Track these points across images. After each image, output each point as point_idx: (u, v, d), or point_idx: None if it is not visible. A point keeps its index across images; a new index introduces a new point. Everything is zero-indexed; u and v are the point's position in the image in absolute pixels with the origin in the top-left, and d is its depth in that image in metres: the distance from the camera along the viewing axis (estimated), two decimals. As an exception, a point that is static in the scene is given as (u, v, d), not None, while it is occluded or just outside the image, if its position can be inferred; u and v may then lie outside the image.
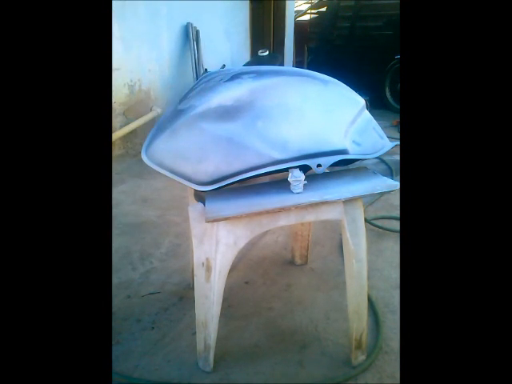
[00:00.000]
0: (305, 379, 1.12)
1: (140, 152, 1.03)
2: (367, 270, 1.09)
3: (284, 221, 1.02)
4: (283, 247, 1.84)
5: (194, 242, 1.02)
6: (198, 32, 3.92)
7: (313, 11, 7.04)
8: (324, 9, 6.38)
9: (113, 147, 3.18)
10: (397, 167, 2.88)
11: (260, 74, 1.08)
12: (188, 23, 3.84)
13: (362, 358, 1.16)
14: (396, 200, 2.31)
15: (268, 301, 1.46)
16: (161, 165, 1.00)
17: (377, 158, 2.93)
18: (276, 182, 1.10)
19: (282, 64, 5.28)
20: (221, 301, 1.07)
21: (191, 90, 1.13)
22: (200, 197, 1.05)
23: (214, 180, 1.00)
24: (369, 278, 1.12)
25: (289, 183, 1.00)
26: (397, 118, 4.27)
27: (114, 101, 3.15)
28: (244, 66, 4.21)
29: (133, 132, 3.30)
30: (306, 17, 7.34)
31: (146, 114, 3.44)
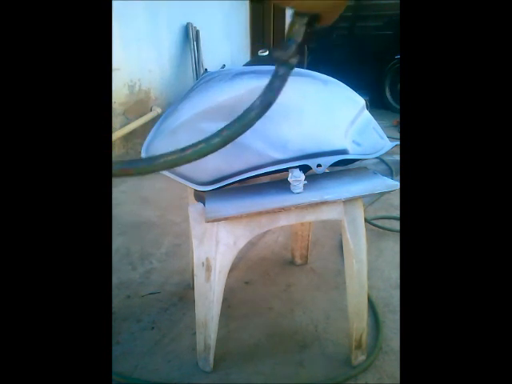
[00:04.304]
0: (305, 379, 1.12)
1: (140, 152, 1.03)
2: (367, 269, 1.09)
3: (284, 221, 1.02)
4: (283, 247, 1.84)
5: (194, 242, 1.02)
6: (198, 32, 3.92)
7: (313, 11, 7.02)
8: (324, 9, 6.36)
9: (113, 147, 3.18)
10: (397, 167, 2.88)
11: (260, 74, 1.08)
12: (188, 23, 3.84)
13: (361, 357, 1.16)
14: (396, 200, 2.32)
15: (268, 301, 1.46)
16: (161, 165, 1.00)
17: (377, 157, 2.93)
18: (276, 182, 1.10)
19: (281, 64, 5.27)
20: (221, 301, 1.07)
21: (191, 89, 1.13)
22: (200, 197, 1.05)
23: (213, 180, 1.00)
24: (369, 278, 1.12)
25: (289, 183, 1.00)
26: (397, 118, 4.27)
27: (113, 101, 3.15)
28: (244, 65, 4.20)
29: (133, 132, 3.30)
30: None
31: (146, 114, 3.44)
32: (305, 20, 0.55)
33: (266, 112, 0.61)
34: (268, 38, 5.86)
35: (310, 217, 1.04)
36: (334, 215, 1.03)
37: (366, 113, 1.16)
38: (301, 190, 1.00)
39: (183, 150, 0.60)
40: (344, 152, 1.05)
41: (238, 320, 1.36)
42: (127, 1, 3.08)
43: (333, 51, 5.87)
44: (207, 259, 1.02)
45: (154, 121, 3.35)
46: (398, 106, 4.77)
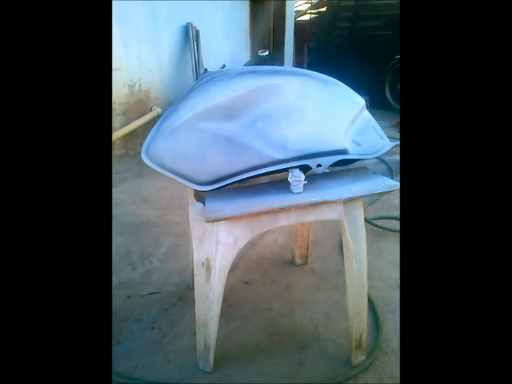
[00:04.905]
0: (305, 379, 1.12)
1: (140, 152, 1.03)
2: (367, 270, 1.09)
3: (284, 221, 1.02)
4: (283, 247, 1.84)
5: (194, 242, 1.02)
6: (198, 32, 3.92)
7: (313, 11, 7.04)
8: (324, 9, 6.38)
9: (113, 147, 3.18)
10: (397, 167, 2.88)
11: (260, 74, 1.08)
12: (188, 23, 3.84)
13: (361, 357, 1.16)
14: (396, 200, 2.31)
15: (268, 301, 1.46)
16: (161, 165, 1.00)
17: (377, 157, 2.93)
18: (276, 182, 1.10)
19: (281, 64, 5.28)
20: (221, 301, 1.07)
21: (191, 89, 1.13)
22: (200, 197, 1.05)
23: (214, 180, 1.00)
24: (369, 277, 1.12)
25: (289, 183, 1.00)
26: (397, 118, 4.27)
27: (114, 101, 3.15)
28: (244, 66, 4.21)
29: (133, 132, 3.30)
30: (306, 17, 7.34)
31: (146, 113, 3.45)
32: None
33: None
34: (268, 38, 5.85)
35: (310, 217, 1.04)
36: (334, 215, 1.03)
37: (366, 113, 1.16)
38: (301, 190, 1.00)
39: None
40: (344, 152, 1.05)
41: (238, 320, 1.36)
42: (127, 1, 3.08)
43: (333, 51, 5.87)
44: (207, 259, 1.02)
45: (153, 121, 3.35)
46: (398, 106, 4.77)
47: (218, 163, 1.00)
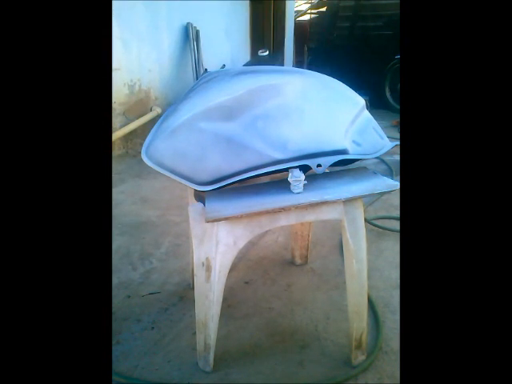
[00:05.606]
0: (305, 379, 1.12)
1: (140, 152, 1.03)
2: (367, 269, 1.09)
3: (284, 221, 1.02)
4: (283, 247, 1.84)
5: (194, 242, 1.02)
6: (198, 32, 3.92)
7: (313, 11, 7.05)
8: (324, 9, 6.39)
9: (113, 147, 3.18)
10: (397, 167, 2.88)
11: (260, 74, 1.08)
12: (188, 23, 3.84)
13: (361, 357, 1.16)
14: (396, 200, 2.31)
15: (268, 301, 1.46)
16: (161, 165, 1.00)
17: (377, 157, 2.93)
18: (276, 182, 1.10)
19: (281, 64, 5.29)
20: (221, 301, 1.07)
21: (191, 89, 1.13)
22: (200, 197, 1.05)
23: (213, 180, 1.00)
24: (369, 277, 1.12)
25: (289, 183, 1.00)
26: (397, 118, 4.27)
27: (114, 101, 3.15)
28: (244, 65, 4.21)
29: (133, 132, 3.30)
30: (306, 17, 7.35)
31: (146, 114, 3.45)
32: None
33: None
34: (268, 37, 5.85)
35: (310, 217, 1.04)
36: (334, 215, 1.04)
37: (366, 113, 1.16)
38: (301, 190, 1.00)
39: None
40: (344, 152, 1.05)
41: (238, 320, 1.36)
42: (127, 1, 3.08)
43: (333, 51, 5.87)
44: (207, 259, 1.02)
45: (154, 121, 3.35)
46: (398, 106, 4.77)
47: (218, 163, 1.00)
